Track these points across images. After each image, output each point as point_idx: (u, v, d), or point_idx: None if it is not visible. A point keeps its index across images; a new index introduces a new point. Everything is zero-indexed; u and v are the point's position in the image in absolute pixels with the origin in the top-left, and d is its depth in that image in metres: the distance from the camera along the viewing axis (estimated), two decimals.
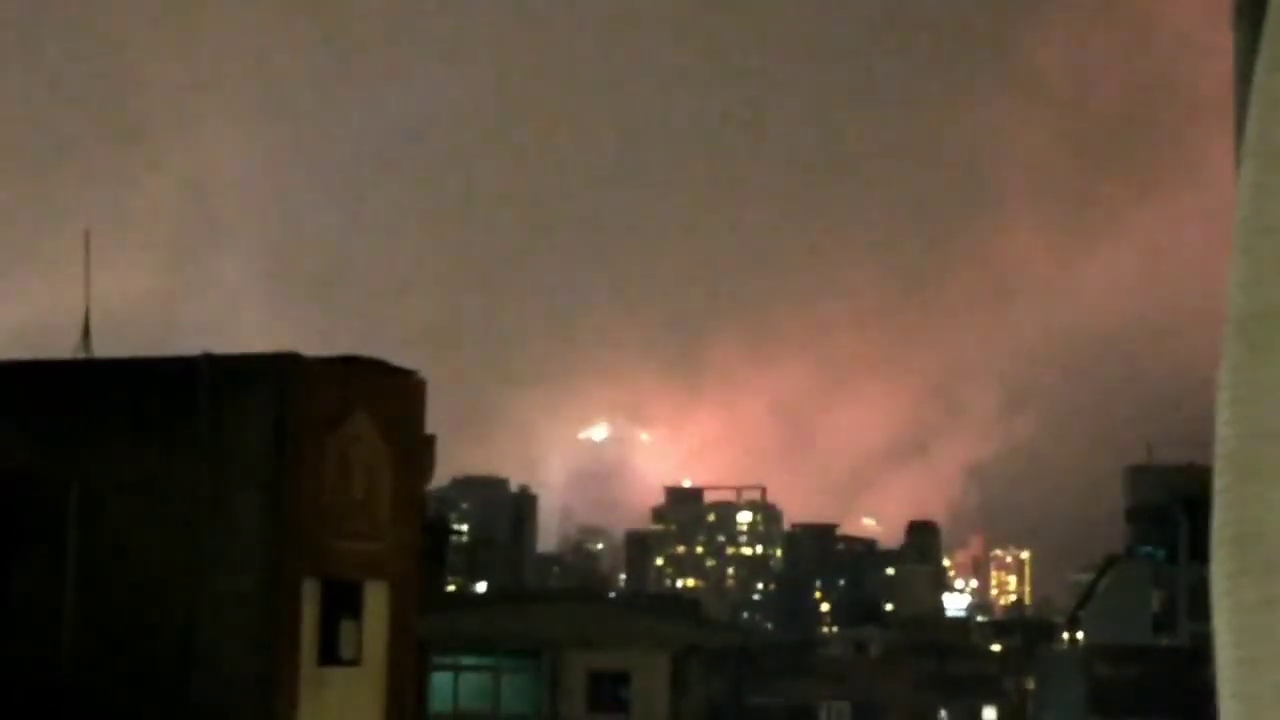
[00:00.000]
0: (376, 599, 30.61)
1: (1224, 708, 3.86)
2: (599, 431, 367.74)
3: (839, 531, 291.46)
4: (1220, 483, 3.86)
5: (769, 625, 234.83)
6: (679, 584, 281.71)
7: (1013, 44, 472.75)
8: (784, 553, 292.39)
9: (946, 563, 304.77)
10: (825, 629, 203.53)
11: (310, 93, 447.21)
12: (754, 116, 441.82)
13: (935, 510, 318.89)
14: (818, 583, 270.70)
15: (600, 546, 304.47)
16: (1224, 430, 3.86)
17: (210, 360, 29.35)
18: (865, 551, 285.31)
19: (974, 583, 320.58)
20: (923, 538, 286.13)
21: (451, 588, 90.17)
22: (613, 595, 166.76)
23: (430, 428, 32.71)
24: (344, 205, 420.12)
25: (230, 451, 29.03)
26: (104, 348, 32.80)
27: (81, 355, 32.45)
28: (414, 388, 32.04)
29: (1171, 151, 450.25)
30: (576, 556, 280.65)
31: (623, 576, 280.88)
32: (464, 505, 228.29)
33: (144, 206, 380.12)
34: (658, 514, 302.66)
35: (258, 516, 28.84)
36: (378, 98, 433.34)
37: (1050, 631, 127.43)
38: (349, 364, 30.93)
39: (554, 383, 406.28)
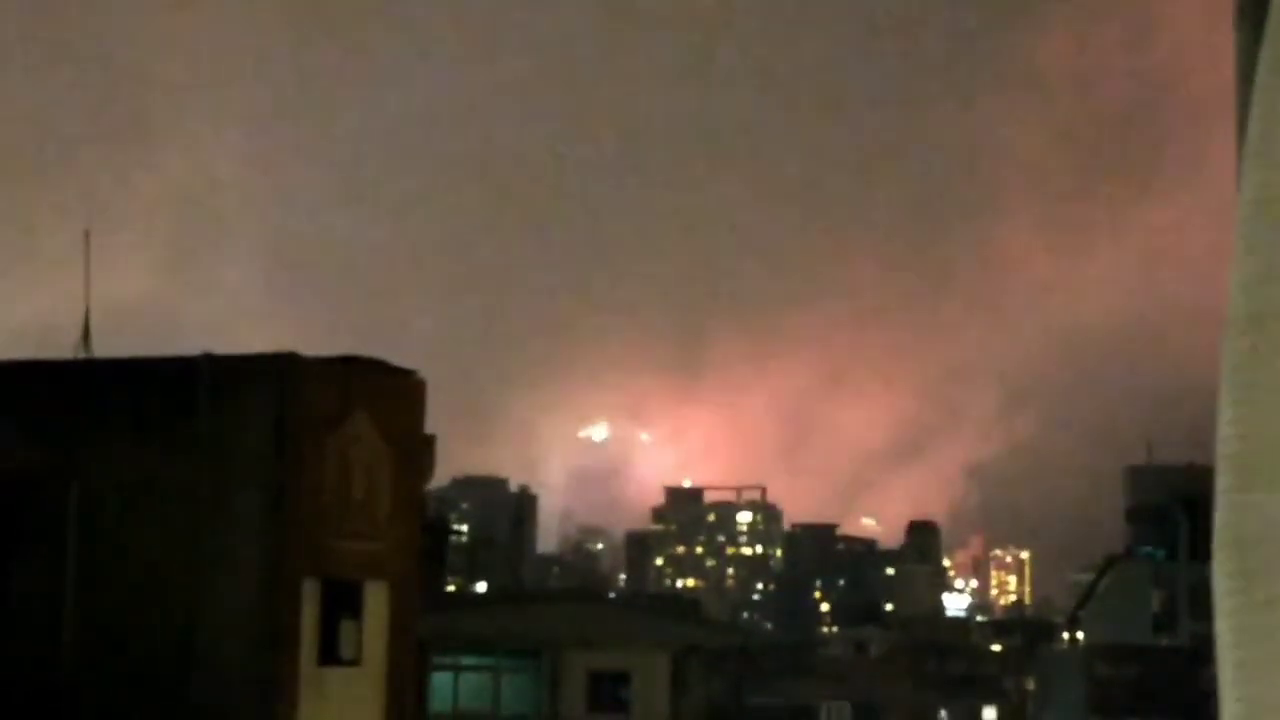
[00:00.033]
0: (376, 599, 30.61)
1: (1226, 709, 3.85)
2: (599, 431, 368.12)
3: (839, 531, 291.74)
4: (1222, 483, 3.85)
5: (769, 625, 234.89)
6: (679, 584, 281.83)
7: (1013, 44, 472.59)
8: (784, 553, 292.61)
9: (946, 563, 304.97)
10: (825, 629, 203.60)
11: (310, 93, 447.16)
12: (754, 117, 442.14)
13: (935, 510, 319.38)
14: (818, 583, 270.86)
15: (600, 546, 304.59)
16: (1225, 430, 3.86)
17: (210, 360, 29.36)
18: (865, 551, 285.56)
19: (974, 583, 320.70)
20: (923, 538, 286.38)
21: (451, 588, 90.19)
22: (613, 595, 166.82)
23: (430, 428, 32.73)
24: (344, 205, 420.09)
25: (230, 451, 29.04)
26: (104, 348, 32.80)
27: (81, 355, 32.44)
28: (414, 388, 32.05)
29: (1172, 152, 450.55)
30: (576, 556, 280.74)
31: (623, 576, 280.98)
32: (464, 505, 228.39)
33: (144, 206, 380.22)
34: (658, 514, 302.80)
35: (258, 516, 28.85)
36: (378, 98, 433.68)
37: (1050, 631, 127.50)
38: (349, 364, 30.94)
39: (554, 383, 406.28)
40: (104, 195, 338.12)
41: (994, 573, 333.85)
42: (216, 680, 28.59)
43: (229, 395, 29.08)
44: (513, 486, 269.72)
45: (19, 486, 29.67)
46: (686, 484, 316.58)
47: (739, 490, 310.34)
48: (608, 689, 54.08)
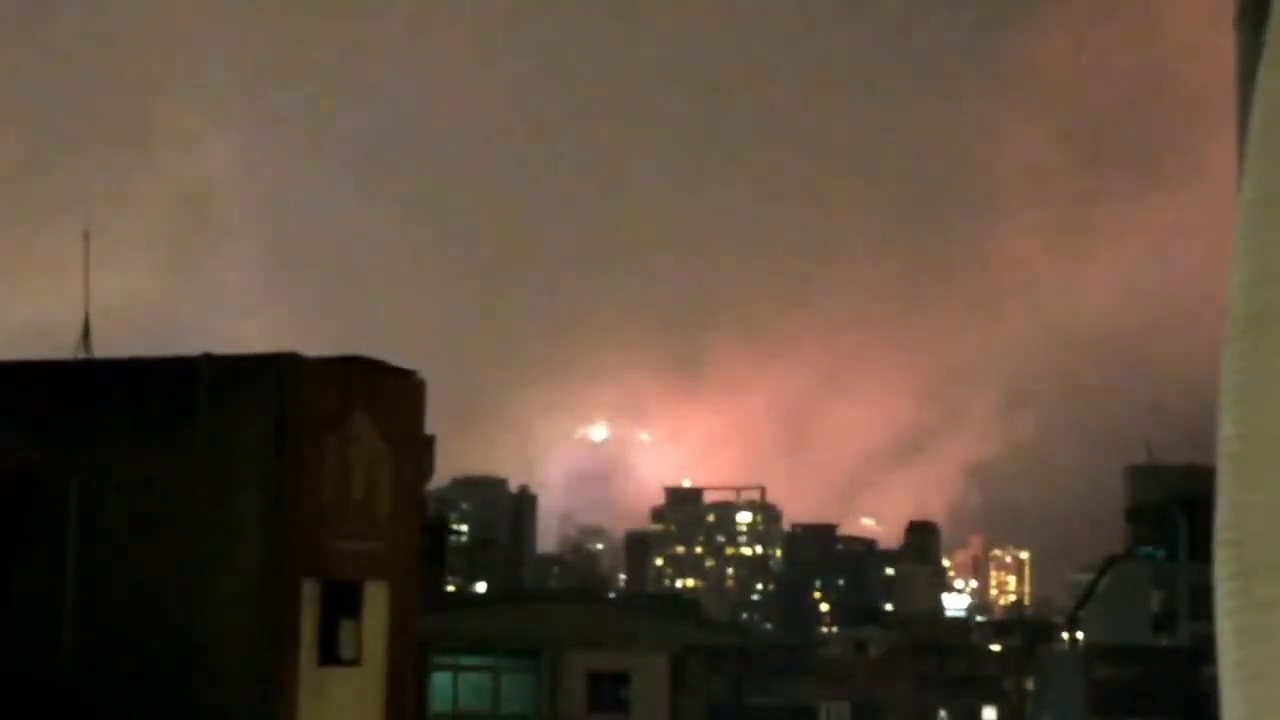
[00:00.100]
0: (376, 599, 30.61)
1: (1226, 709, 3.86)
2: (599, 431, 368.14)
3: (839, 531, 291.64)
4: (1223, 483, 3.86)
5: (769, 625, 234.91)
6: (679, 584, 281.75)
7: (1013, 43, 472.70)
8: (784, 553, 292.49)
9: (946, 563, 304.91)
10: (825, 629, 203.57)
11: (311, 93, 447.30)
12: (753, 117, 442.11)
13: (935, 510, 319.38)
14: (817, 583, 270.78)
15: (600, 546, 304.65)
16: (1226, 430, 3.86)
17: (210, 360, 29.34)
18: (865, 551, 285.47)
19: (974, 583, 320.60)
20: (922, 538, 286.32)
21: (451, 588, 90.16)
22: (613, 595, 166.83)
23: (430, 428, 32.72)
24: (344, 205, 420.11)
25: (230, 451, 29.03)
26: (104, 348, 32.79)
27: (81, 355, 32.43)
28: (414, 388, 32.04)
29: (1173, 151, 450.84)
30: (576, 556, 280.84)
31: (622, 576, 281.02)
32: (464, 505, 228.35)
33: (144, 206, 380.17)
34: (657, 514, 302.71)
35: (258, 516, 28.84)
36: (378, 98, 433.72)
37: (1050, 631, 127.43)
38: (349, 364, 30.93)
39: (553, 382, 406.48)
40: (104, 195, 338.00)
41: (994, 573, 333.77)
42: (216, 680, 28.58)
43: (229, 395, 29.07)
44: (512, 486, 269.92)
45: (19, 486, 29.66)
46: (686, 484, 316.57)
47: (739, 490, 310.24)
48: (608, 689, 54.05)
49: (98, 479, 29.46)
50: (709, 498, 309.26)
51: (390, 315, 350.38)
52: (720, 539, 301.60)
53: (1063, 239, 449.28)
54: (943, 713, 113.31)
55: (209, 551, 28.82)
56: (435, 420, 32.87)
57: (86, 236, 36.13)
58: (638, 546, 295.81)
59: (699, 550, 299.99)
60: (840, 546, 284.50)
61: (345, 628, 29.87)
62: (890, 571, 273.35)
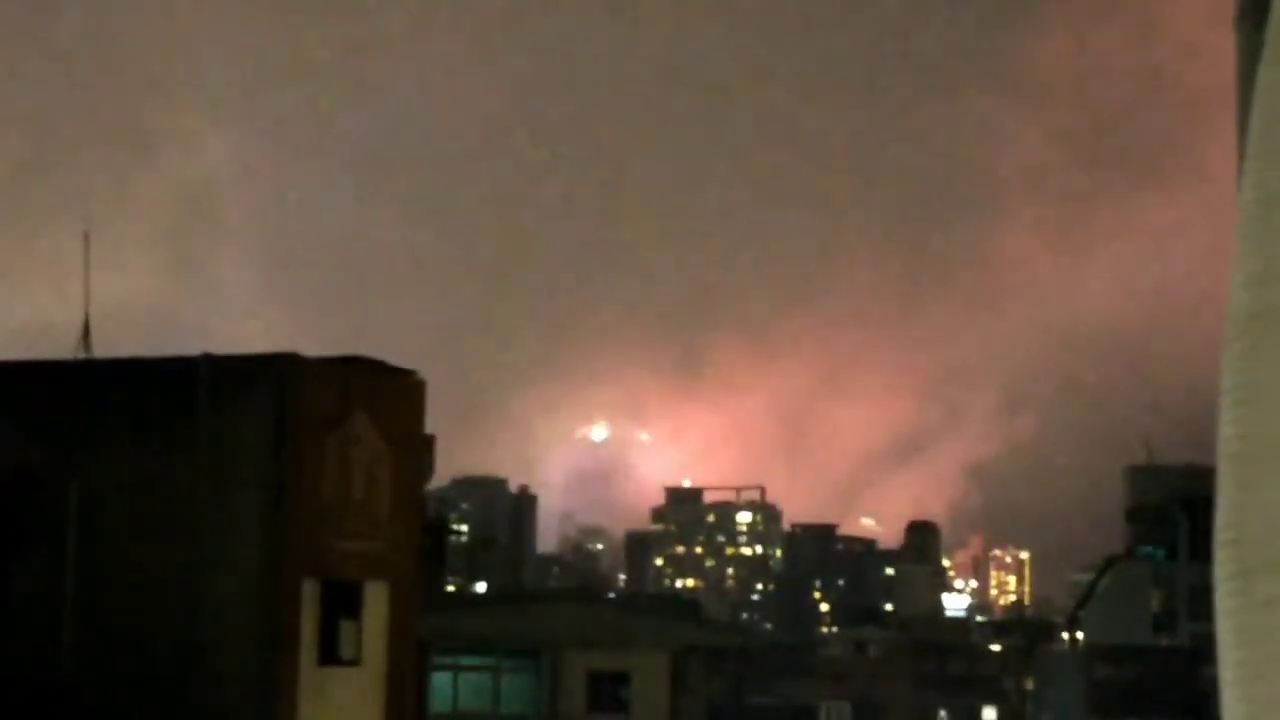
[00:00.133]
0: (376, 599, 30.61)
1: (1226, 709, 3.86)
2: (598, 431, 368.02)
3: (839, 531, 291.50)
4: (1222, 483, 3.86)
5: (769, 625, 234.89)
6: (679, 584, 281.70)
7: (1013, 43, 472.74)
8: (784, 553, 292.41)
9: (946, 563, 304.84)
10: (825, 629, 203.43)
11: (311, 93, 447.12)
12: (753, 117, 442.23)
13: (935, 510, 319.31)
14: (817, 583, 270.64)
15: (600, 546, 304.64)
16: (1226, 431, 3.87)
17: (210, 360, 29.35)
18: (865, 551, 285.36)
19: (974, 583, 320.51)
20: (922, 538, 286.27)
21: (451, 588, 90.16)
22: (612, 595, 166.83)
23: (430, 428, 32.73)
24: (344, 206, 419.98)
25: (230, 451, 29.03)
26: (104, 348, 32.80)
27: (81, 355, 32.44)
28: (414, 388, 32.05)
29: (1172, 151, 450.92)
30: (576, 556, 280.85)
31: (622, 576, 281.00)
32: (464, 505, 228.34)
33: (144, 206, 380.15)
34: (657, 514, 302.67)
35: (258, 516, 28.85)
36: (378, 98, 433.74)
37: (1050, 631, 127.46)
38: (349, 364, 30.94)
39: (553, 382, 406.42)
40: (104, 195, 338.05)
41: (994, 573, 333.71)
42: (216, 680, 28.59)
43: (229, 395, 29.08)
44: (512, 486, 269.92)
45: (19, 486, 29.67)
46: (686, 484, 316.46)
47: (739, 490, 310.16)
48: (608, 689, 54.05)
49: (98, 479, 29.46)
50: (709, 498, 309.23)
51: (390, 315, 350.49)
52: (720, 539, 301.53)
53: (1062, 239, 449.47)
54: (943, 713, 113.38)
55: (209, 552, 28.83)
56: (435, 420, 32.90)
57: (86, 236, 36.18)
58: (638, 546, 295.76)
59: (699, 550, 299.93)
60: (840, 546, 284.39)
61: (345, 628, 29.88)
62: (890, 571, 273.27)
